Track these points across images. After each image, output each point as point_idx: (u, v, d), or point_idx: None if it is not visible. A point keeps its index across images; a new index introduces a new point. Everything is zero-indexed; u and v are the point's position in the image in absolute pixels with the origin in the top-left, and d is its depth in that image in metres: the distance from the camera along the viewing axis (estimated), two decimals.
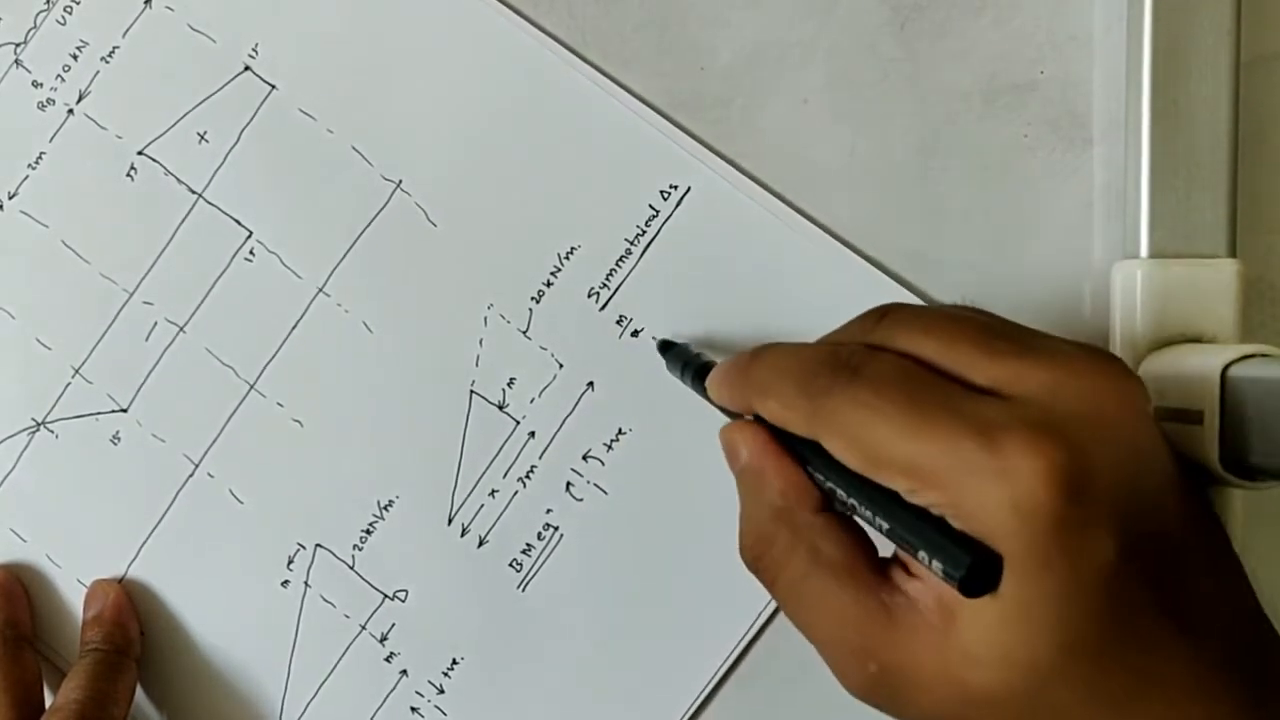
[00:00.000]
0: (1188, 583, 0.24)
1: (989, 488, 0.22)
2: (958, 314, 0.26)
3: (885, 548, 0.26)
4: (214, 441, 0.39)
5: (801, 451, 0.27)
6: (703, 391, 0.32)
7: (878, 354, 0.25)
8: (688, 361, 0.34)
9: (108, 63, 0.39)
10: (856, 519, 0.27)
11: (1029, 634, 0.22)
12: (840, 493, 0.26)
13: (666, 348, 0.36)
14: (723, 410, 0.30)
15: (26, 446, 0.39)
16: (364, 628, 0.39)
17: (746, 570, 0.28)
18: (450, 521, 0.38)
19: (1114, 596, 0.22)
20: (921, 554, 0.24)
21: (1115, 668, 0.23)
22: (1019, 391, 0.23)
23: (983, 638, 0.23)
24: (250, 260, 0.39)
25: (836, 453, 0.25)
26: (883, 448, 0.24)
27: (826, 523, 0.27)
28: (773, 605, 0.37)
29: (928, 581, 0.24)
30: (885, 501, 0.24)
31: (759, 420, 0.28)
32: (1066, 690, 0.23)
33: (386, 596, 0.39)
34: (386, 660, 0.39)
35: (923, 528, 0.23)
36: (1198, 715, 0.23)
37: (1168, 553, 0.23)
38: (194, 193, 0.39)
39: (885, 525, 0.24)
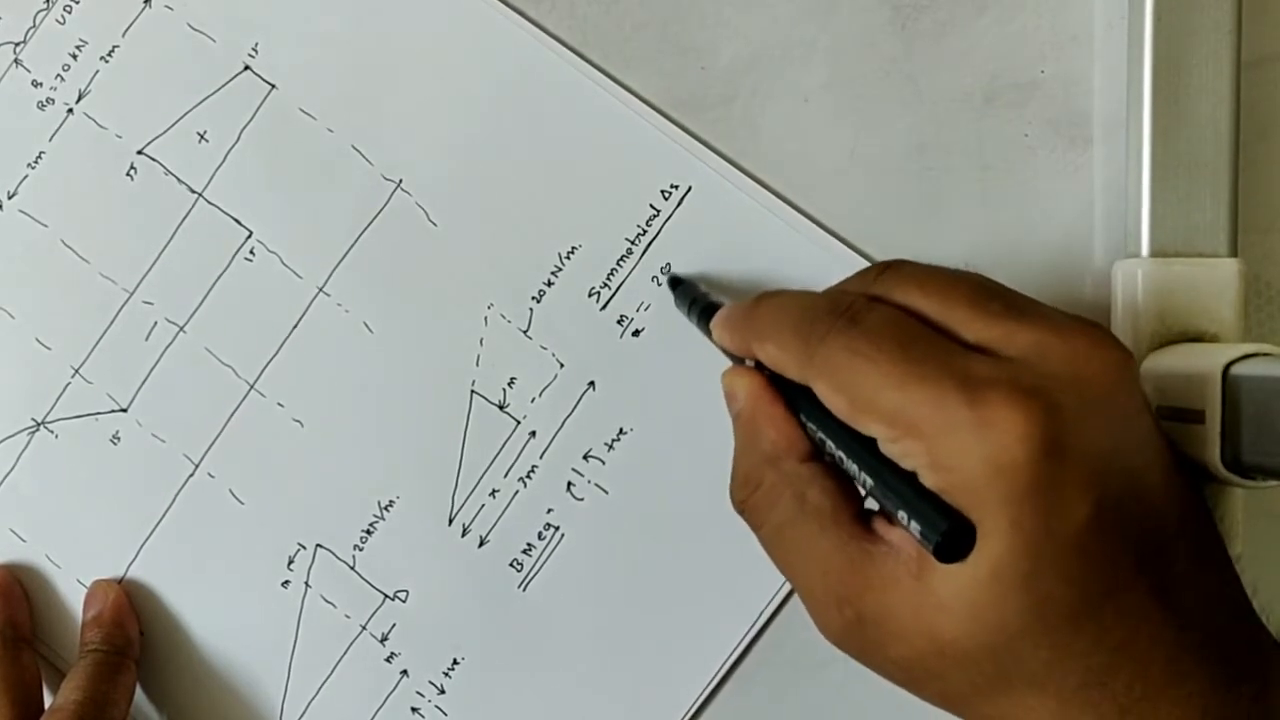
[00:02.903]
0: (1168, 556, 0.24)
1: (967, 441, 0.22)
2: (957, 274, 0.27)
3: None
4: (214, 441, 0.39)
5: (794, 399, 0.27)
6: (707, 331, 0.32)
7: (876, 304, 0.26)
8: (695, 299, 0.35)
9: (107, 62, 0.39)
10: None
11: (999, 591, 0.23)
12: (828, 444, 0.26)
13: (676, 284, 0.37)
14: (725, 353, 0.31)
15: (26, 446, 0.39)
16: (364, 628, 0.39)
17: (736, 512, 0.29)
18: (451, 521, 0.38)
19: (1088, 559, 0.23)
20: (900, 514, 0.24)
21: (1086, 632, 0.23)
22: (1007, 351, 0.24)
23: (955, 592, 0.23)
24: (250, 260, 0.39)
25: (825, 398, 0.25)
26: (869, 395, 0.24)
27: (813, 471, 0.27)
28: (774, 605, 0.37)
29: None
30: (868, 456, 0.25)
31: (759, 367, 0.29)
32: (1035, 649, 0.23)
33: (387, 597, 0.38)
34: (387, 660, 0.38)
35: (903, 488, 0.24)
36: (1168, 690, 0.23)
37: (1148, 523, 0.24)
38: (194, 192, 0.39)
39: (868, 481, 0.25)
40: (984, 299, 0.25)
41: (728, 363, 0.31)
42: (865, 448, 0.25)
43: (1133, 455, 0.24)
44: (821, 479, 0.27)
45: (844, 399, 0.25)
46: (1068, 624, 0.23)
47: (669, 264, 0.38)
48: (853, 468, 0.25)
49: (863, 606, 0.25)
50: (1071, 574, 0.23)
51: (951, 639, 0.23)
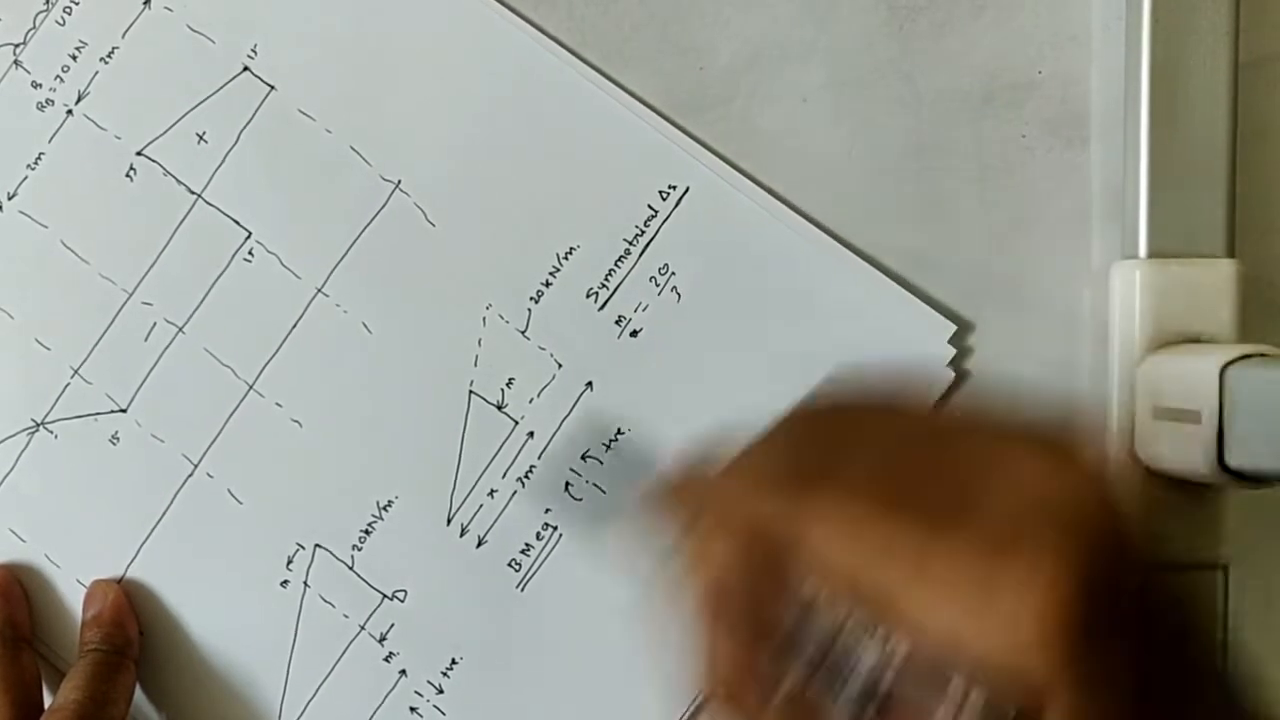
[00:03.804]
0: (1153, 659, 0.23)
1: (1003, 632, 0.21)
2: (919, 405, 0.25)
3: None
4: (213, 442, 0.39)
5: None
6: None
7: (861, 447, 0.24)
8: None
9: (107, 63, 0.39)
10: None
11: None
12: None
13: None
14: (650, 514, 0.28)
15: (26, 446, 0.39)
16: (363, 628, 0.39)
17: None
18: (449, 521, 0.38)
19: (1128, 681, 0.22)
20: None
21: None
22: (975, 513, 0.22)
23: None
24: (249, 260, 0.39)
25: (825, 560, 0.23)
26: (878, 561, 0.22)
27: None
28: None
29: None
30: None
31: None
32: None
33: (386, 596, 0.39)
34: (386, 660, 0.39)
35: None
36: None
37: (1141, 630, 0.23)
38: (193, 193, 0.39)
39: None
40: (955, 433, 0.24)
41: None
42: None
43: (1128, 570, 0.23)
44: None
45: (845, 556, 0.23)
46: None
47: (672, 271, 0.38)
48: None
49: None
50: (1122, 691, 0.22)
51: None
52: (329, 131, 0.38)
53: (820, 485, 0.24)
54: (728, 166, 0.38)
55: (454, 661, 0.38)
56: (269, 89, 0.39)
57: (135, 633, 0.39)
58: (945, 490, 0.23)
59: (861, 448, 0.24)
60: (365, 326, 0.38)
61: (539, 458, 0.38)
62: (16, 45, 0.39)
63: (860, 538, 0.23)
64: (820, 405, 0.27)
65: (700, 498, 0.26)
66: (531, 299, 0.38)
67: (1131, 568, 0.23)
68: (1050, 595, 0.21)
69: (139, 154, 0.39)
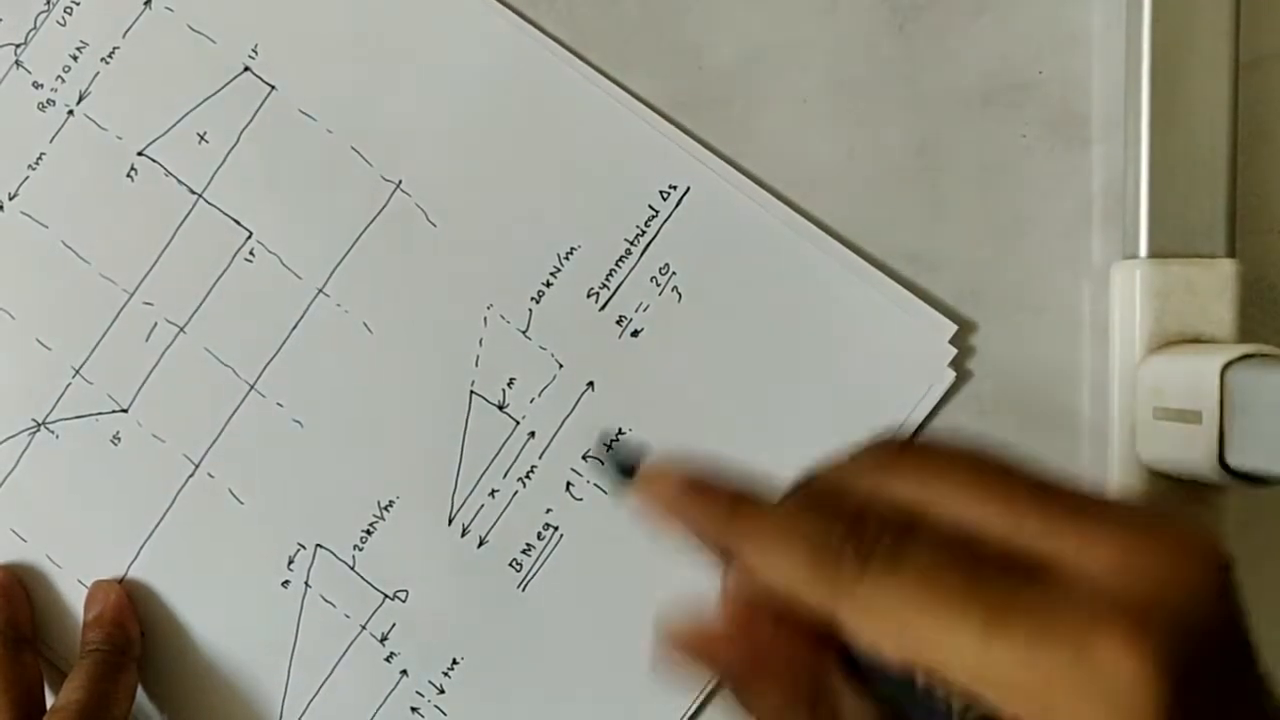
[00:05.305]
0: None
1: (1081, 696, 0.19)
2: (1002, 463, 0.22)
3: None
4: (214, 442, 0.39)
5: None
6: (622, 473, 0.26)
7: (919, 530, 0.22)
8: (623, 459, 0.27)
9: (108, 63, 0.39)
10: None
11: None
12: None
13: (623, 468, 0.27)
14: (654, 524, 0.25)
15: (27, 447, 0.39)
16: (364, 628, 0.39)
17: None
18: (450, 521, 0.38)
19: None
20: None
21: None
22: (1090, 568, 0.20)
23: None
24: (250, 261, 0.39)
25: (877, 647, 0.21)
26: (940, 649, 0.20)
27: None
28: None
29: None
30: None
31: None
32: None
33: (387, 596, 0.39)
34: (387, 660, 0.39)
35: None
36: None
37: None
38: (194, 193, 0.39)
39: None
40: (1048, 499, 0.21)
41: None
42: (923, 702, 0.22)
43: (1239, 667, 0.21)
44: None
45: (905, 652, 0.21)
46: None
47: (673, 271, 0.38)
48: None
49: None
50: None
51: None
52: (330, 131, 0.38)
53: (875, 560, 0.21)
54: (728, 166, 0.38)
55: (455, 662, 0.38)
56: (270, 89, 0.39)
57: (137, 633, 0.39)
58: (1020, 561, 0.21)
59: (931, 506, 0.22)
60: (366, 326, 0.38)
61: (540, 458, 0.38)
62: (18, 45, 0.39)
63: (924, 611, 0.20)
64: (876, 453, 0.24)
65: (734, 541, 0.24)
66: (532, 299, 0.38)
67: (1237, 668, 0.21)
68: (1128, 694, 0.19)
69: (140, 154, 0.39)
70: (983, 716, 0.21)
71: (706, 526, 0.25)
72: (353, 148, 0.38)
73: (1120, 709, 0.19)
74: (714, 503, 0.25)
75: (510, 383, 0.38)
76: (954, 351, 0.37)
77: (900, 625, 0.21)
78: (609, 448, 0.36)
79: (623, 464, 0.26)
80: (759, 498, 0.24)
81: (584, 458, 0.38)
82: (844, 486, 0.23)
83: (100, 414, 0.39)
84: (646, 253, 0.38)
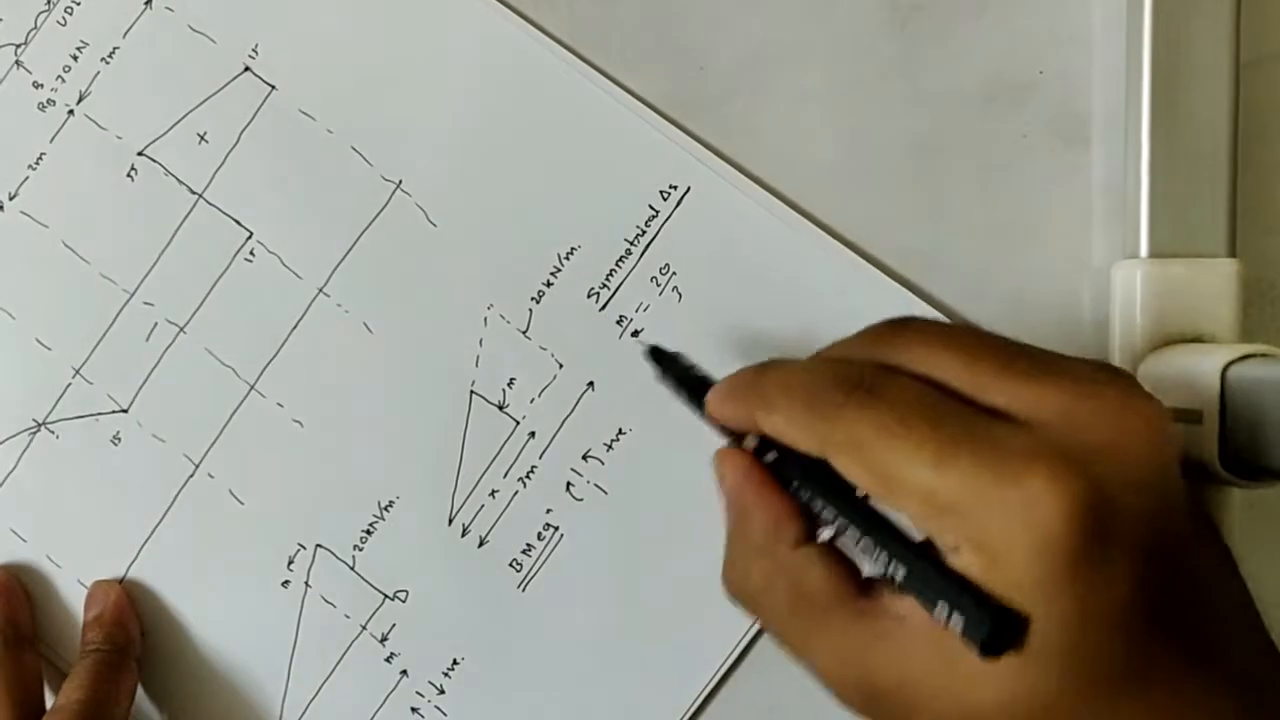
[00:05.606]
0: (1202, 615, 0.23)
1: (1007, 520, 0.22)
2: (974, 331, 0.26)
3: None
4: (214, 442, 0.39)
5: (795, 473, 0.26)
6: (698, 407, 0.30)
7: (896, 376, 0.25)
8: (682, 374, 0.33)
9: (108, 63, 0.39)
10: (846, 544, 0.26)
11: (1036, 667, 0.22)
12: (842, 523, 0.25)
13: (658, 356, 0.34)
14: (718, 429, 0.29)
15: (27, 447, 0.39)
16: (364, 628, 0.39)
17: (729, 599, 0.28)
18: (451, 522, 0.38)
19: (1129, 635, 0.22)
20: (939, 606, 0.23)
21: (1128, 703, 0.23)
22: (1040, 416, 0.23)
23: (986, 665, 0.22)
24: (250, 261, 0.39)
25: (849, 474, 0.24)
26: (901, 473, 0.23)
27: (808, 556, 0.26)
28: None
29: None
30: (896, 543, 0.24)
31: (763, 443, 0.27)
32: None
33: (387, 597, 0.39)
34: (387, 660, 0.39)
35: (942, 582, 0.23)
36: None
37: (1183, 586, 0.23)
38: (194, 193, 0.39)
39: (899, 571, 0.24)
40: (1009, 359, 0.24)
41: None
42: (888, 528, 0.24)
43: (1169, 517, 0.23)
44: (819, 563, 0.26)
45: (871, 476, 0.24)
46: (1109, 699, 0.22)
47: (673, 271, 0.38)
48: (879, 553, 0.24)
49: (878, 682, 0.24)
50: (1113, 651, 0.22)
51: (983, 706, 0.23)
52: (330, 131, 0.38)
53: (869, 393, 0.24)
54: (729, 166, 0.38)
55: (455, 662, 0.38)
56: (270, 89, 0.39)
57: (137, 633, 0.39)
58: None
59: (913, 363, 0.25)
60: (366, 327, 0.38)
61: (540, 458, 0.38)
62: (18, 45, 0.39)
63: (897, 435, 0.23)
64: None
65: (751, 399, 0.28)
66: (533, 299, 0.38)
67: (1166, 509, 0.23)
68: (1047, 523, 0.21)
69: (140, 154, 0.39)
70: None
71: (738, 404, 0.28)
72: (353, 148, 0.38)
73: (1039, 537, 0.22)
74: (743, 387, 0.28)
75: (510, 383, 0.38)
76: None
77: (870, 452, 0.23)
78: (609, 448, 0.37)
79: (679, 376, 0.32)
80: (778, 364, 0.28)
81: (583, 458, 0.38)
82: (843, 355, 0.27)
83: (100, 414, 0.39)
84: (647, 253, 0.38)
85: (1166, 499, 0.23)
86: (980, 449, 0.22)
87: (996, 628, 0.22)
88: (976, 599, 0.22)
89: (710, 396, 0.29)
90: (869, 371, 0.25)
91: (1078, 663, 0.22)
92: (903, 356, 0.25)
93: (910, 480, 0.23)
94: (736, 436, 0.29)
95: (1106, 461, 0.22)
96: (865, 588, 0.26)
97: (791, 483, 0.27)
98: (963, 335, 0.25)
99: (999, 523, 0.22)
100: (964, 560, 0.23)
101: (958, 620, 0.22)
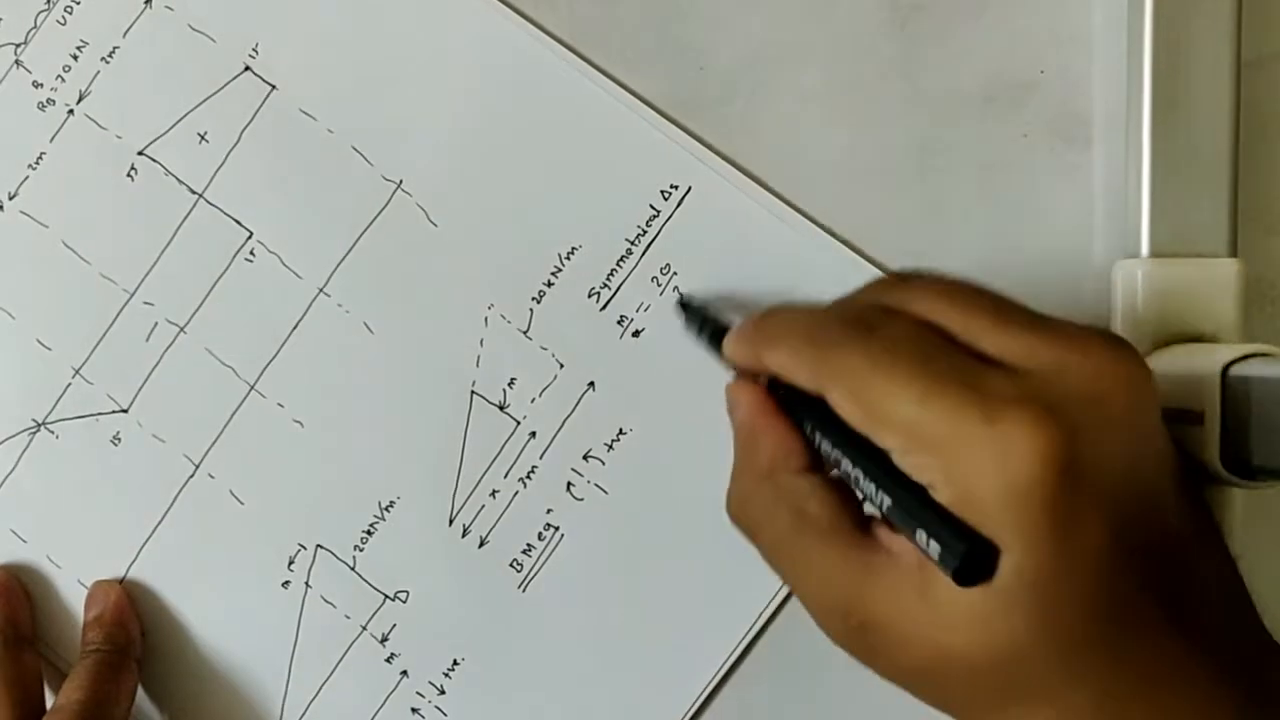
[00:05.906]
0: (1182, 577, 0.24)
1: (984, 458, 0.22)
2: (975, 286, 0.26)
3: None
4: (214, 442, 0.39)
5: (799, 409, 0.27)
6: (718, 352, 0.31)
7: (893, 314, 0.25)
8: (706, 321, 0.34)
9: (108, 63, 0.39)
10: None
11: (1010, 608, 0.22)
12: (838, 457, 0.26)
13: (686, 306, 0.37)
14: (736, 370, 0.30)
15: (27, 447, 0.39)
16: (365, 628, 0.39)
17: (733, 527, 0.29)
18: (451, 522, 0.38)
19: (1102, 583, 0.22)
20: (918, 534, 0.24)
21: (1100, 654, 0.23)
22: (1028, 365, 0.23)
23: (962, 606, 0.23)
24: (251, 260, 0.39)
25: (838, 407, 0.25)
26: (886, 407, 0.24)
27: (811, 483, 0.27)
28: (774, 605, 0.37)
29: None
30: (882, 473, 0.24)
31: (772, 384, 0.28)
32: (1046, 670, 0.23)
33: (387, 597, 0.39)
34: (387, 661, 0.39)
35: (921, 510, 0.23)
36: (1184, 711, 0.23)
37: (1162, 544, 0.23)
38: (194, 193, 0.39)
39: (884, 500, 0.25)
40: (1005, 310, 0.25)
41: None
42: (878, 462, 0.25)
43: (1149, 474, 0.24)
44: (820, 490, 0.27)
45: (859, 409, 0.24)
46: (1080, 645, 0.23)
47: (674, 271, 0.38)
48: (868, 486, 0.25)
49: (865, 615, 0.25)
50: (1085, 596, 0.22)
51: (957, 651, 0.23)
52: (330, 131, 0.38)
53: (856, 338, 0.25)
54: (729, 166, 0.38)
55: (455, 662, 0.38)
56: (270, 88, 0.39)
57: (137, 633, 0.39)
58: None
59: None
60: (367, 327, 0.38)
61: (541, 458, 0.38)
62: (17, 45, 0.39)
63: (875, 383, 0.24)
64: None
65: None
66: (533, 299, 0.38)
67: (1145, 466, 0.24)
68: (1020, 466, 0.22)
69: (140, 154, 0.39)
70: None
71: (747, 345, 0.29)
72: (353, 147, 0.38)
73: (1010, 479, 0.22)
74: (750, 327, 0.29)
75: (511, 383, 0.38)
76: None
77: (859, 383, 0.24)
78: (610, 448, 0.37)
79: (702, 325, 0.34)
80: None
81: (584, 458, 0.38)
82: (848, 300, 0.28)
83: (100, 414, 0.39)
84: (648, 253, 0.38)
85: (1147, 457, 0.24)
86: (965, 390, 0.23)
87: (970, 555, 0.22)
88: (954, 528, 0.23)
89: (726, 339, 0.30)
90: (869, 310, 0.26)
91: (1049, 608, 0.22)
92: (905, 301, 0.26)
93: (895, 414, 0.23)
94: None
95: (1087, 410, 0.23)
96: (864, 524, 0.26)
97: (798, 420, 0.28)
98: (965, 287, 0.26)
99: (973, 461, 0.22)
100: (940, 496, 0.23)
101: (935, 548, 0.23)
